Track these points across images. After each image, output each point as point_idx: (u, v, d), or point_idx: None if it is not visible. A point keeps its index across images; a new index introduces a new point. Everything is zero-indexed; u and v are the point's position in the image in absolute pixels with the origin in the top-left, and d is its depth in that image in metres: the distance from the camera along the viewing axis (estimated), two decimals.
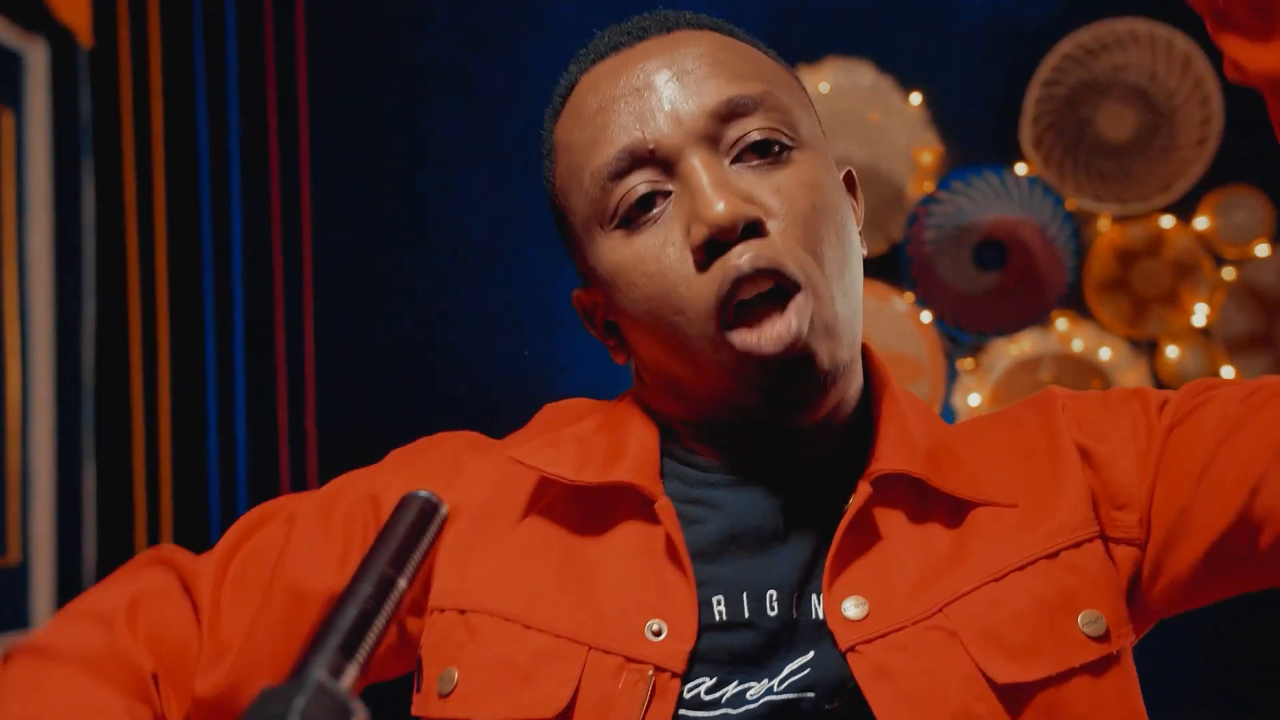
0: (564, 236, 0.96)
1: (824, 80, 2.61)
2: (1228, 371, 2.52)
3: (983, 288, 2.57)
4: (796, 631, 0.84)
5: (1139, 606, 0.89)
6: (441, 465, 0.98)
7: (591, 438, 0.93)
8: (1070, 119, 2.56)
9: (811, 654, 0.83)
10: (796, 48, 2.60)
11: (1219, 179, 2.54)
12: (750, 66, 0.89)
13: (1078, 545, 0.86)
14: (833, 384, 0.87)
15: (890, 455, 0.88)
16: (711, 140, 0.86)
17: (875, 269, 2.53)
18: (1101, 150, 2.56)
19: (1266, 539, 0.83)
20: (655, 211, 0.86)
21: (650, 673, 0.82)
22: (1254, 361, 2.51)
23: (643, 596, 0.85)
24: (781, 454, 0.90)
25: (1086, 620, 0.84)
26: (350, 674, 0.55)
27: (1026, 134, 2.57)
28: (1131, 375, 2.54)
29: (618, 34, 0.92)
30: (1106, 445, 0.90)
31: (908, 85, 2.60)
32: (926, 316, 2.57)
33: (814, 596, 0.85)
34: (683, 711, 0.82)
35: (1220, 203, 2.55)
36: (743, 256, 0.83)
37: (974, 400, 2.57)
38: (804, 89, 0.94)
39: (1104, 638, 0.83)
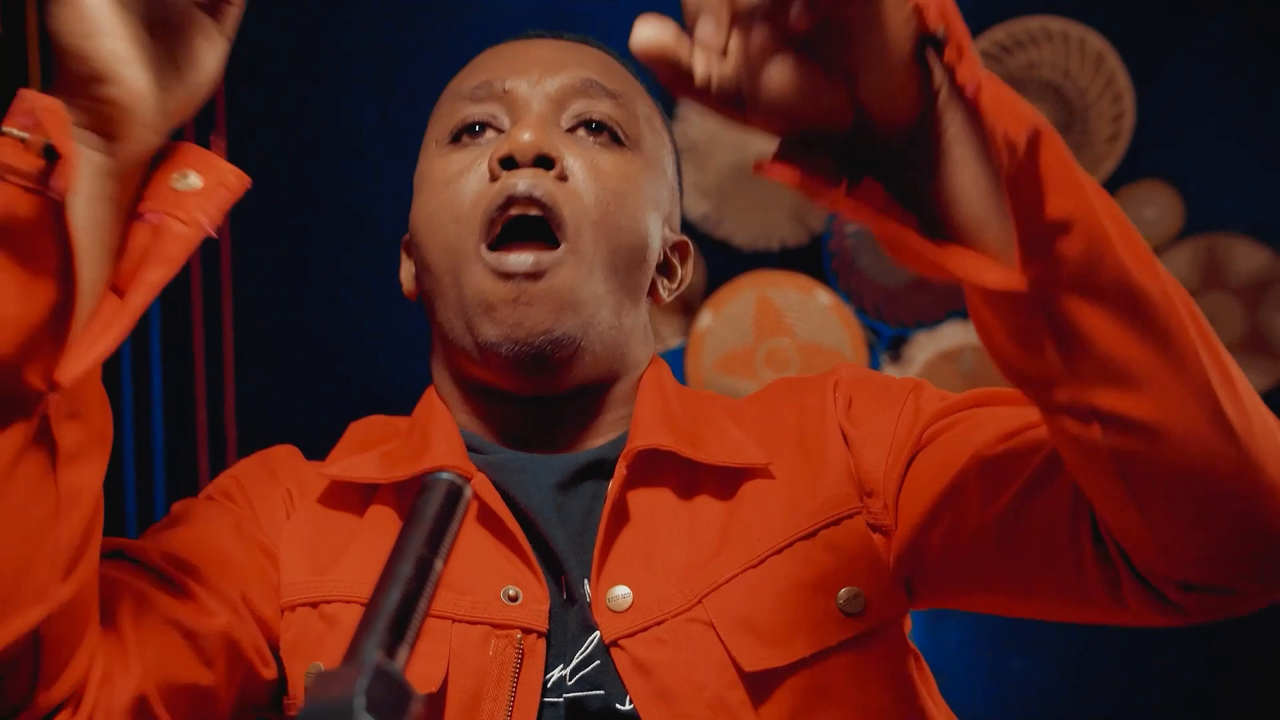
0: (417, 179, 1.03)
1: None
2: None
3: (905, 280, 2.62)
4: (579, 619, 0.86)
5: (920, 586, 0.90)
6: (271, 487, 0.99)
7: (400, 444, 0.97)
8: None
9: (593, 643, 0.85)
10: None
11: (1130, 175, 2.64)
12: (620, 82, 0.98)
13: (837, 522, 0.89)
14: (565, 341, 0.90)
15: (644, 433, 0.91)
16: (558, 103, 0.95)
17: (797, 262, 2.57)
18: None
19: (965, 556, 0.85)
20: (480, 138, 0.95)
21: (518, 636, 0.83)
22: None
23: (491, 567, 0.86)
24: (551, 434, 0.96)
25: (846, 597, 0.85)
26: (403, 655, 0.55)
27: None
28: None
29: (518, 34, 1.03)
30: (862, 430, 0.92)
31: None
32: (848, 309, 2.62)
33: (579, 581, 0.88)
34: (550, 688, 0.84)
35: (1131, 197, 2.64)
36: (524, 180, 0.90)
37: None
38: (666, 131, 1.04)
39: (862, 614, 0.85)
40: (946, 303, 2.65)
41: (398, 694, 0.52)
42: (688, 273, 1.05)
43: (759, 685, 0.83)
